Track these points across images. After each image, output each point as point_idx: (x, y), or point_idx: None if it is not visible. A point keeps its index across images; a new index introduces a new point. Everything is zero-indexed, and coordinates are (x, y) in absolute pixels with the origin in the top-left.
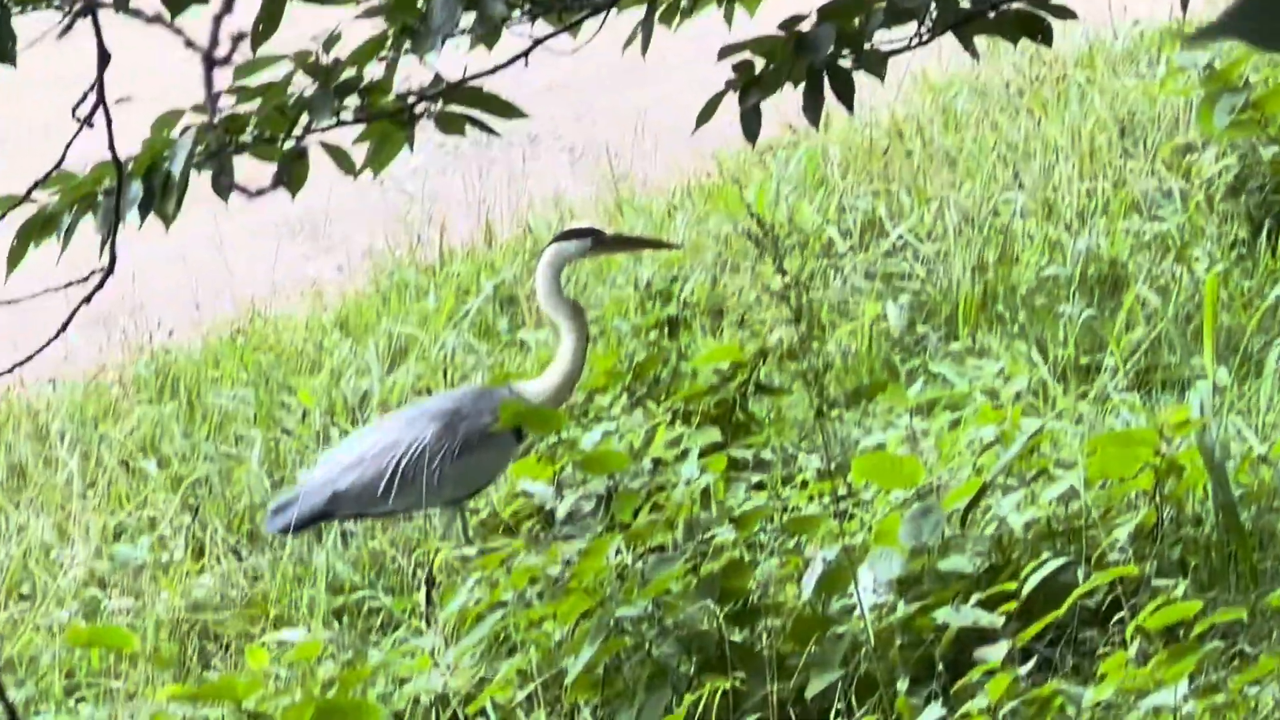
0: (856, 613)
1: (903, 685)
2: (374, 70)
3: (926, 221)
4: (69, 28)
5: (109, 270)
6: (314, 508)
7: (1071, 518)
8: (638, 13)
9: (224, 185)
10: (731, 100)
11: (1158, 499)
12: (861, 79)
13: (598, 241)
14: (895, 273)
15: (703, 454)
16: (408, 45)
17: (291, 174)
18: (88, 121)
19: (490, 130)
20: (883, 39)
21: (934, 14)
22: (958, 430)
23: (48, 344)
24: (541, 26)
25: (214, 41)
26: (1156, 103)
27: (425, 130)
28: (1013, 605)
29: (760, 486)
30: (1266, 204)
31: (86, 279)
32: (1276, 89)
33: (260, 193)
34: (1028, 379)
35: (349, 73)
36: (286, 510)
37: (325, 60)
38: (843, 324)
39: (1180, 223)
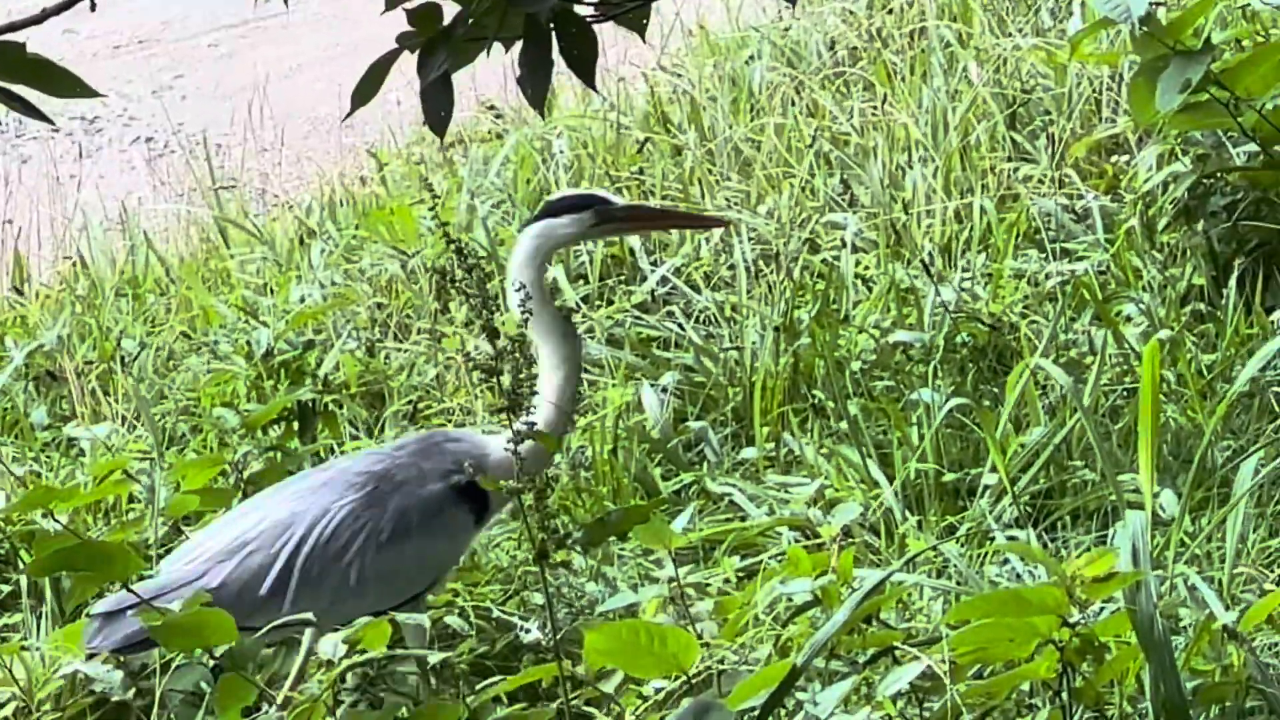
0: None
1: None
2: None
3: (705, 258)
4: None
5: None
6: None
7: None
8: None
9: None
10: (401, 71)
11: (1065, 695)
12: (609, 35)
13: (602, 216)
14: (656, 338)
15: None
16: None
17: None
18: None
19: (35, 112)
20: None
21: None
22: (752, 586)
23: None
24: None
25: None
26: (1067, 75)
27: None
28: None
29: (444, 671)
30: (1238, 234)
31: None
32: (1256, 54)
33: None
34: (863, 506)
35: None
36: (123, 620)
37: None
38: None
39: (1103, 262)
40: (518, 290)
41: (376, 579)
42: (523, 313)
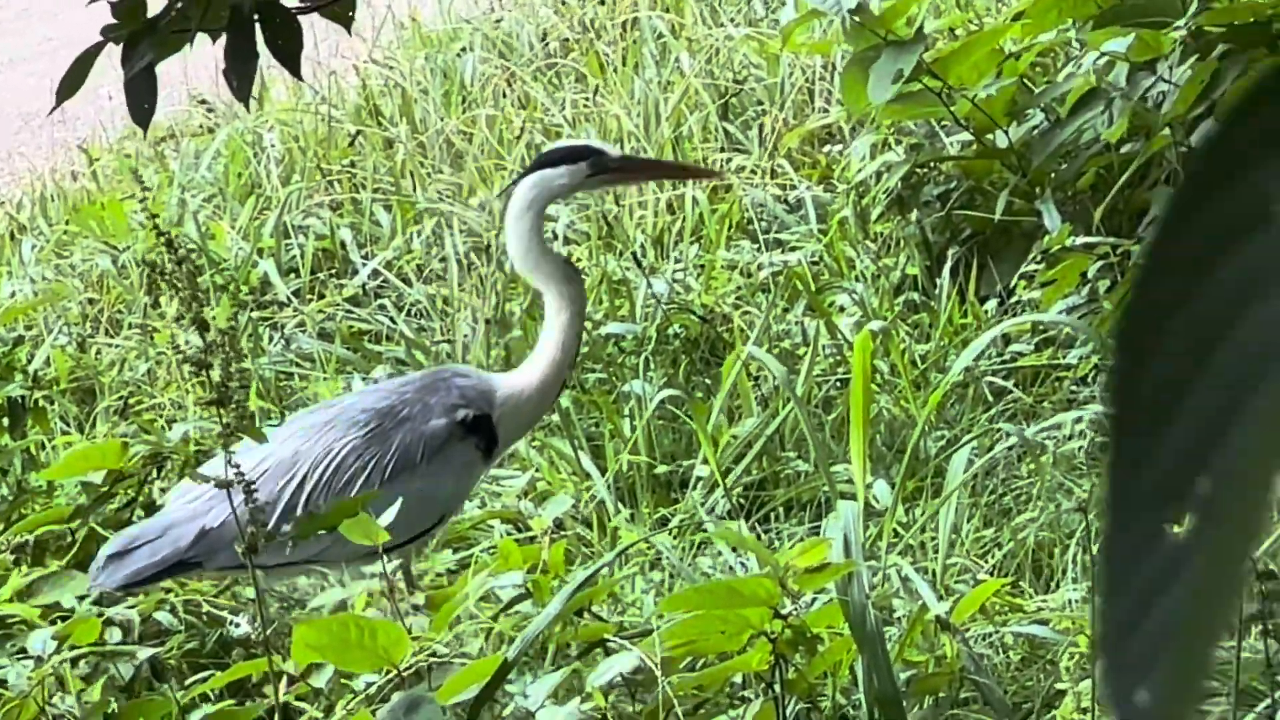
0: None
1: None
2: None
3: (416, 251)
4: None
5: None
6: (174, 553)
7: (643, 715)
8: None
9: None
10: (114, 66)
11: (777, 687)
12: (320, 28)
13: (597, 167)
14: (367, 331)
15: (65, 618)
16: None
17: None
18: None
19: None
20: None
21: None
22: (464, 577)
23: None
24: None
25: None
26: (779, 64)
27: None
28: None
29: (154, 669)
30: (951, 223)
31: None
32: (969, 43)
33: None
34: (574, 498)
35: None
36: (128, 558)
37: None
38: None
39: (816, 252)
40: (515, 242)
41: (380, 517)
42: (523, 264)
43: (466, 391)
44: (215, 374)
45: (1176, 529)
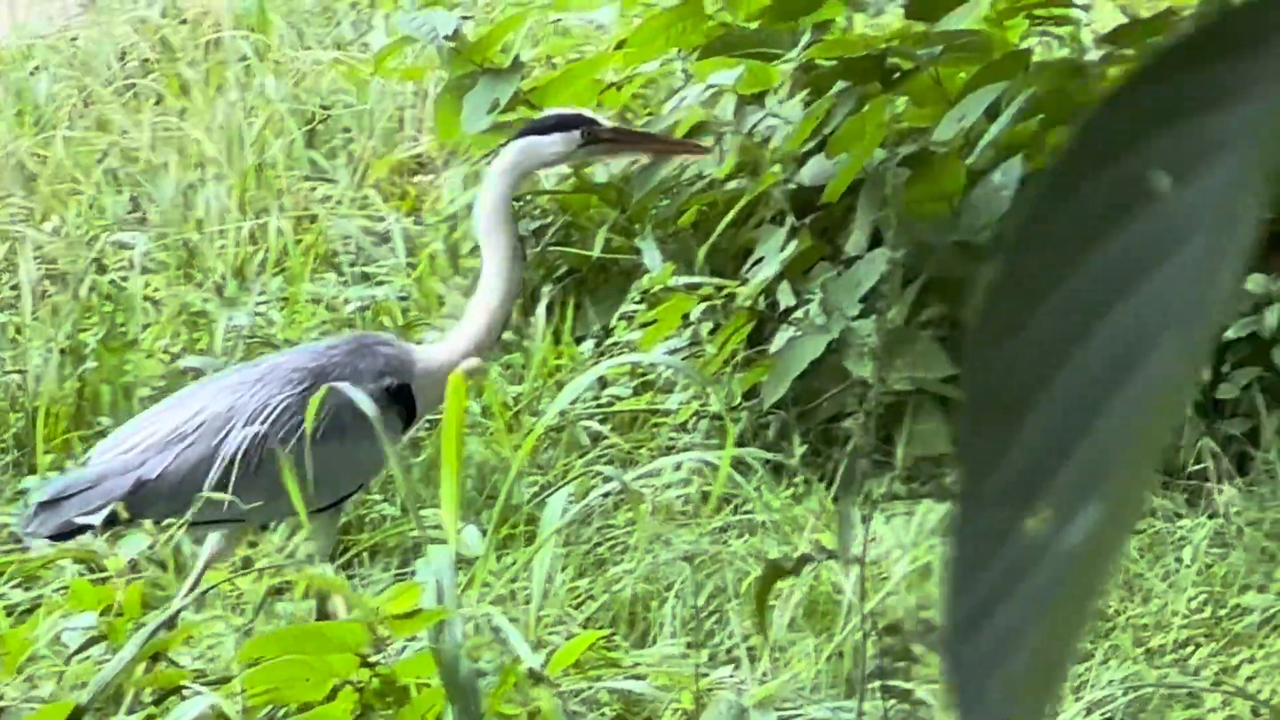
0: None
1: None
2: None
3: None
4: None
5: None
6: (107, 502)
7: None
8: None
9: None
10: None
11: None
12: None
13: (590, 137)
14: None
15: None
16: None
17: None
18: None
19: None
20: None
21: None
22: (35, 617)
23: None
24: None
25: None
26: (369, 91)
27: None
28: None
29: None
30: (547, 260)
31: None
32: (568, 71)
33: None
34: (151, 539)
35: None
36: (60, 506)
37: None
38: None
39: (405, 287)
40: (485, 201)
41: (311, 477)
42: (483, 225)
43: (390, 360)
44: None
45: (1031, 524)
